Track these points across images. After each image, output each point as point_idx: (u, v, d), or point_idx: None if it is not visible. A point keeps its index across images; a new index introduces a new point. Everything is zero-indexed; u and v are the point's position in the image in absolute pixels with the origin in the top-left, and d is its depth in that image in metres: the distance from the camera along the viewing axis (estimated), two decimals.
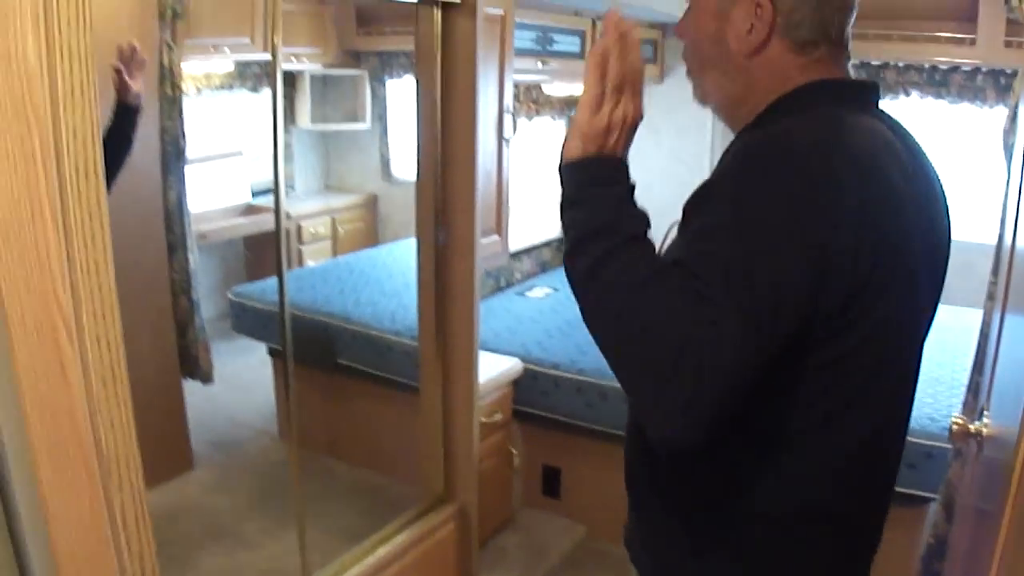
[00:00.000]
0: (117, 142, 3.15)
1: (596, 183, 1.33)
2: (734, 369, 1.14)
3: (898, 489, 3.21)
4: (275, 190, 2.88)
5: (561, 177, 1.37)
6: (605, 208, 1.31)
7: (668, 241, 1.53)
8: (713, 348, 1.13)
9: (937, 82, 5.03)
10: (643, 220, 1.32)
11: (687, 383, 1.13)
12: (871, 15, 4.94)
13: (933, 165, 1.45)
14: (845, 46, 1.44)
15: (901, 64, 5.20)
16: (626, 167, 1.35)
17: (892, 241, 1.25)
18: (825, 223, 1.17)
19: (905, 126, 1.46)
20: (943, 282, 1.50)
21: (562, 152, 1.36)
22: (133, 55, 3.05)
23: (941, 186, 1.45)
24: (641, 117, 1.35)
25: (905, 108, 5.34)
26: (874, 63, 5.30)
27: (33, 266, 0.85)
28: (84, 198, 0.86)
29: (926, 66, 5.07)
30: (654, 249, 1.30)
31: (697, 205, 1.32)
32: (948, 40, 4.67)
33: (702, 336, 1.14)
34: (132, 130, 3.18)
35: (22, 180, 0.83)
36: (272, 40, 2.67)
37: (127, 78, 3.02)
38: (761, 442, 1.34)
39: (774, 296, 1.15)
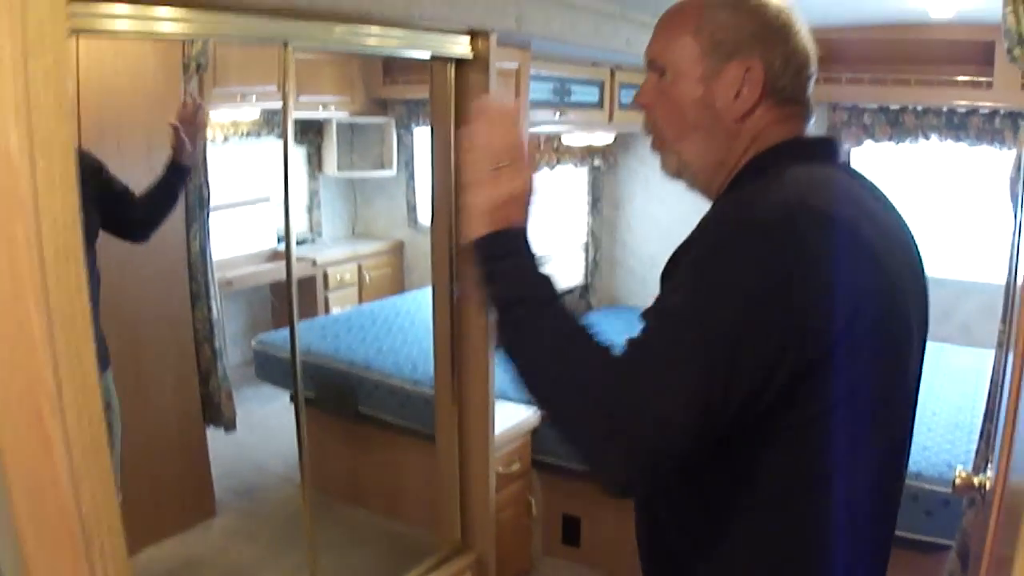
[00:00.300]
0: (164, 198, 3.21)
1: (496, 258, 1.35)
2: (665, 425, 1.16)
3: (916, 536, 3.25)
4: (286, 239, 2.93)
5: (476, 260, 1.39)
6: (511, 281, 1.34)
7: None
8: (648, 403, 1.16)
9: (956, 125, 5.02)
10: (548, 285, 1.35)
11: (622, 437, 1.17)
12: (888, 60, 4.97)
13: (899, 211, 1.47)
14: (808, 104, 1.47)
15: (919, 108, 5.21)
16: (524, 237, 1.38)
17: (870, 297, 1.26)
18: (795, 291, 1.18)
19: (867, 176, 1.50)
20: (927, 326, 1.48)
21: (469, 237, 1.40)
22: (196, 113, 3.10)
23: (910, 231, 1.47)
24: (531, 188, 1.38)
25: (924, 152, 5.36)
26: (892, 107, 5.31)
27: (17, 345, 0.89)
28: (65, 281, 0.90)
29: (944, 109, 5.08)
30: (566, 311, 1.33)
31: (668, 272, 1.37)
32: (965, 83, 4.67)
33: (638, 392, 1.17)
34: (181, 188, 3.25)
35: (5, 264, 0.87)
36: (283, 89, 2.72)
37: (184, 136, 3.06)
38: (752, 501, 1.34)
39: (727, 358, 1.16)
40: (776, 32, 1.41)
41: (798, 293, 1.18)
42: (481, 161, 1.36)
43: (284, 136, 2.79)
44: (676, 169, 1.48)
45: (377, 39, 2.68)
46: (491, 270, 1.36)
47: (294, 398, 3.01)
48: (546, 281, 1.35)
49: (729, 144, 1.43)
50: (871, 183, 1.48)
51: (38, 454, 0.93)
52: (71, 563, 0.97)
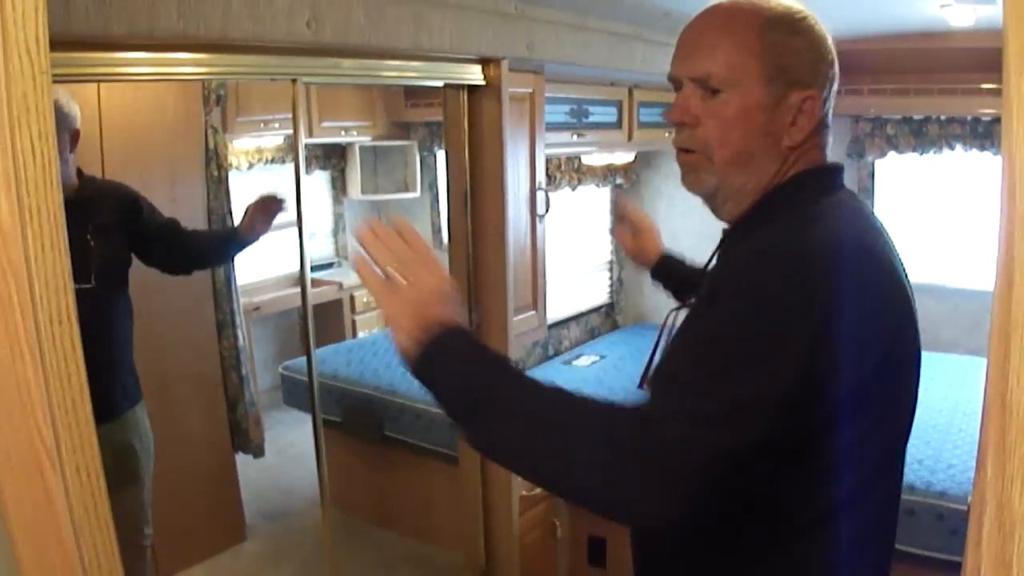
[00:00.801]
0: (214, 256, 3.33)
1: (436, 372, 1.32)
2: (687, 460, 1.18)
3: (942, 556, 3.23)
4: (301, 267, 3.00)
5: (417, 375, 1.35)
6: (460, 389, 1.31)
7: (670, 328, 1.57)
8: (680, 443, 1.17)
9: (980, 134, 5.01)
10: (499, 371, 1.33)
11: (668, 476, 1.17)
12: (910, 70, 4.95)
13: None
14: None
15: (943, 118, 5.19)
16: (455, 334, 1.33)
17: (900, 334, 1.34)
18: (833, 324, 1.21)
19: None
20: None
21: (401, 354, 1.35)
22: (275, 206, 3.26)
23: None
24: (443, 280, 1.36)
25: (949, 162, 5.33)
26: (916, 118, 5.29)
27: (16, 405, 0.92)
28: (59, 342, 0.93)
29: (968, 118, 5.05)
30: (533, 387, 1.30)
31: (703, 306, 1.37)
32: (990, 91, 4.65)
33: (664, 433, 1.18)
34: (234, 254, 3.35)
35: (1, 328, 0.90)
36: (295, 122, 2.78)
37: (256, 219, 3.15)
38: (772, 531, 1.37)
39: (756, 395, 1.19)
40: (828, 62, 1.43)
41: (866, 324, 1.25)
42: (373, 277, 1.35)
43: (296, 166, 2.85)
44: (713, 189, 1.46)
45: (391, 71, 2.73)
46: (435, 387, 1.33)
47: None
48: (495, 367, 1.33)
49: (774, 171, 1.43)
50: (868, 206, 1.52)
51: (40, 507, 0.96)
52: None
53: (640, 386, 1.66)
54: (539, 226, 3.61)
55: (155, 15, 1.85)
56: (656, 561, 1.53)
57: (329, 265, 6.22)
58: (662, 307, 5.85)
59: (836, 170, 1.49)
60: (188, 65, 2.09)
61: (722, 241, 1.56)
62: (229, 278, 4.15)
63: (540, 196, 3.56)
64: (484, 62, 3.07)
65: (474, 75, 3.05)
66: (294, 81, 2.47)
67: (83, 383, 0.97)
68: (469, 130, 3.15)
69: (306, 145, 5.67)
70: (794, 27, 1.40)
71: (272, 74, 2.38)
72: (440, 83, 3.01)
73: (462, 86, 3.07)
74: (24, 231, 0.89)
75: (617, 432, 1.20)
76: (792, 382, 1.19)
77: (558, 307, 3.92)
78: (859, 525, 1.39)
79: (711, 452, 1.17)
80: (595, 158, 4.97)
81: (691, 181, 1.48)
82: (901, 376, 1.37)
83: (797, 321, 1.20)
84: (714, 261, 1.57)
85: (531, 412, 1.27)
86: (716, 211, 1.51)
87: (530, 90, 3.45)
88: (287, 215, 5.85)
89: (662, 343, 1.56)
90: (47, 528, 0.96)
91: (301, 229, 2.88)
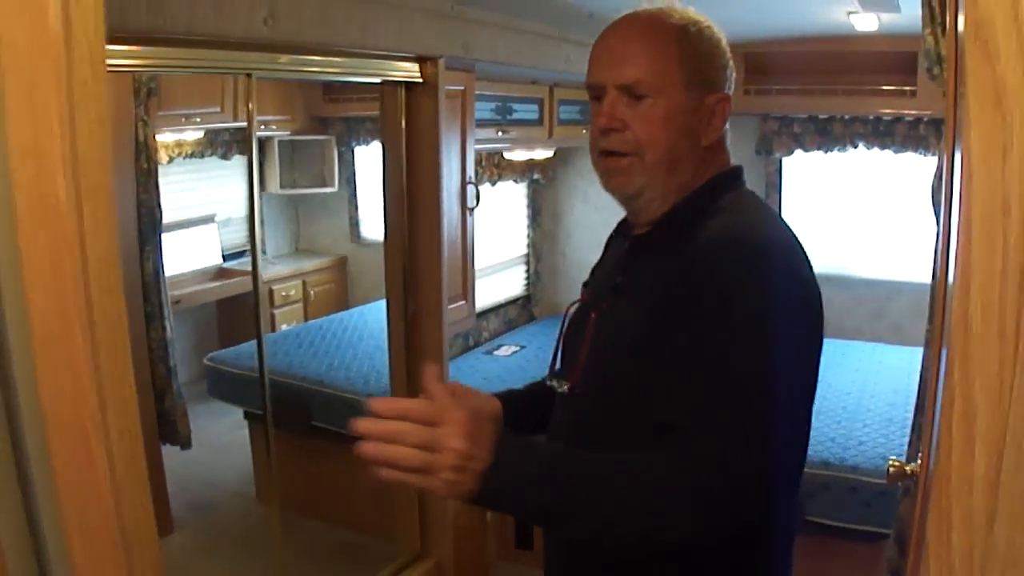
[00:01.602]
0: None
1: (503, 499, 1.27)
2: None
3: (856, 527, 3.45)
4: (252, 256, 3.05)
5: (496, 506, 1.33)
6: (531, 503, 1.28)
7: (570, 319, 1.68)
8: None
9: (882, 132, 5.24)
10: (560, 468, 1.30)
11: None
12: (817, 71, 5.16)
13: None
14: None
15: (847, 117, 5.41)
16: (503, 460, 1.24)
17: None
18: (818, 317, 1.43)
19: None
20: None
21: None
22: None
23: None
24: (463, 428, 1.21)
25: (853, 160, 5.56)
26: (821, 117, 5.51)
27: (66, 373, 0.99)
28: (109, 315, 1.00)
29: (871, 118, 5.29)
30: (591, 466, 1.32)
31: (669, 320, 1.40)
32: (890, 92, 4.88)
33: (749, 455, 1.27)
34: None
35: (56, 300, 0.97)
36: (249, 115, 2.82)
37: None
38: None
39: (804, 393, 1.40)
40: (730, 67, 1.56)
41: (818, 314, 1.44)
42: (405, 477, 1.23)
43: (249, 156, 2.92)
44: (640, 189, 1.52)
45: (335, 68, 2.80)
46: (508, 508, 1.32)
47: (258, 413, 3.07)
48: (555, 466, 1.30)
49: (694, 170, 1.53)
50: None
51: (84, 470, 1.02)
52: (112, 565, 1.07)
53: (548, 379, 1.68)
54: (469, 219, 3.71)
55: (125, 9, 1.90)
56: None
57: (243, 253, 6.18)
58: (576, 300, 5.97)
59: (741, 170, 1.61)
60: (151, 58, 2.15)
61: (636, 242, 1.60)
62: (157, 269, 4.15)
63: (470, 190, 3.66)
64: (422, 60, 3.16)
65: (412, 73, 3.13)
66: (249, 76, 2.53)
67: (127, 352, 1.04)
68: (406, 126, 3.23)
69: (226, 136, 5.69)
70: (703, 34, 1.52)
71: (230, 69, 2.45)
72: (379, 80, 3.09)
73: (400, 83, 3.15)
74: (80, 209, 0.96)
75: (686, 478, 1.28)
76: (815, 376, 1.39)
77: (478, 299, 4.02)
78: (789, 499, 1.50)
79: (768, 466, 1.28)
80: (517, 154, 5.08)
81: (618, 183, 1.54)
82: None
83: (807, 322, 1.40)
84: (627, 256, 1.61)
85: (606, 502, 1.28)
86: (638, 212, 1.58)
87: (463, 87, 3.55)
88: (203, 208, 5.87)
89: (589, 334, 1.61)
90: (90, 488, 1.03)
91: (253, 222, 2.92)
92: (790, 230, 1.48)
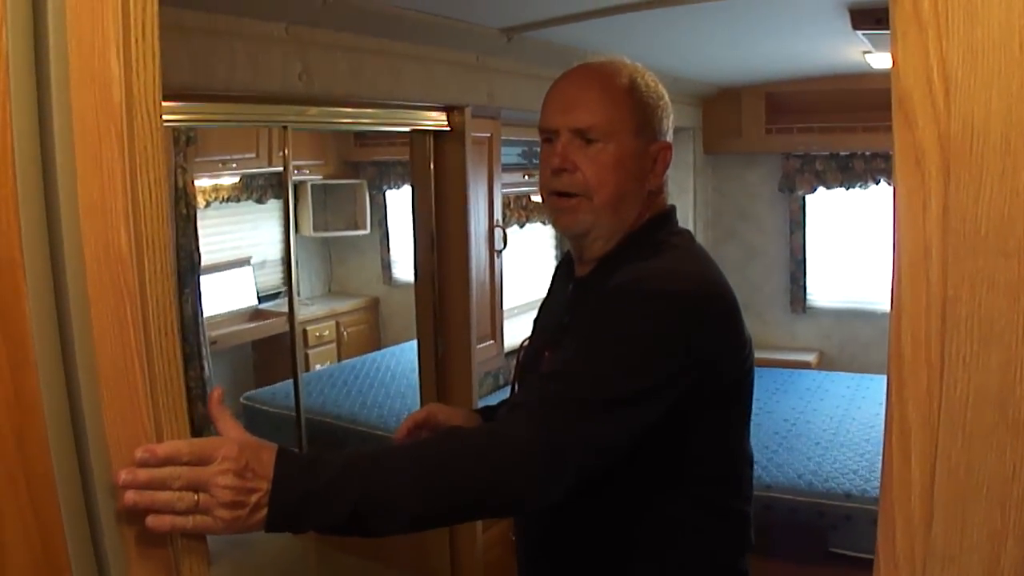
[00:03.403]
0: None
1: (301, 518, 1.23)
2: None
3: (858, 555, 3.50)
4: (289, 297, 3.16)
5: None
6: (322, 513, 1.25)
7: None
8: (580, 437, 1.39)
9: None
10: (346, 473, 1.27)
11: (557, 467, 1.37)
12: (836, 109, 5.26)
13: None
14: None
15: (868, 153, 5.50)
16: (279, 480, 1.20)
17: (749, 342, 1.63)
18: (705, 346, 1.50)
19: None
20: None
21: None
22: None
23: None
24: (229, 457, 1.15)
25: (875, 196, 5.64)
26: (842, 154, 5.60)
27: (127, 405, 1.11)
28: (164, 353, 1.11)
29: (891, 153, 5.35)
30: (383, 458, 1.34)
31: (587, 327, 1.54)
32: None
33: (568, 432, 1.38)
34: None
35: (118, 341, 1.09)
36: (285, 164, 2.96)
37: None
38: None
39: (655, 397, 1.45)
40: (671, 117, 1.68)
41: (707, 358, 1.50)
42: (178, 522, 1.15)
43: (285, 201, 3.06)
44: (588, 228, 1.61)
45: (367, 118, 2.94)
46: (309, 527, 1.26)
47: (299, 446, 3.16)
48: (344, 473, 1.27)
49: (637, 212, 1.64)
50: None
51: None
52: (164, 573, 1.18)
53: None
54: (496, 261, 3.83)
55: (168, 68, 2.04)
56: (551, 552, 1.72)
57: (278, 295, 6.30)
58: None
59: (674, 210, 1.72)
60: (193, 113, 2.30)
61: (580, 283, 1.71)
62: (196, 311, 4.29)
63: (497, 233, 3.78)
64: (449, 109, 3.30)
65: (440, 121, 3.27)
66: (285, 128, 2.67)
67: (181, 386, 1.16)
68: (435, 172, 3.37)
69: (261, 181, 5.83)
70: (649, 86, 1.63)
71: (267, 122, 2.59)
72: (408, 128, 3.23)
73: (428, 131, 3.29)
74: (140, 259, 1.08)
75: (483, 444, 1.38)
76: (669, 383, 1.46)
77: (507, 339, 4.13)
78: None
79: (570, 446, 1.38)
80: None
81: (567, 222, 1.63)
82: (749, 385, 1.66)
83: (671, 344, 1.47)
84: (573, 296, 1.72)
85: (401, 485, 1.30)
86: (584, 250, 1.67)
87: (489, 134, 3.68)
88: (239, 251, 6.00)
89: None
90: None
91: (290, 265, 3.04)
92: (702, 274, 1.59)
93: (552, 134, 1.62)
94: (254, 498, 1.18)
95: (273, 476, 1.19)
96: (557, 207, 1.62)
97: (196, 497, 1.14)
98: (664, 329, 1.46)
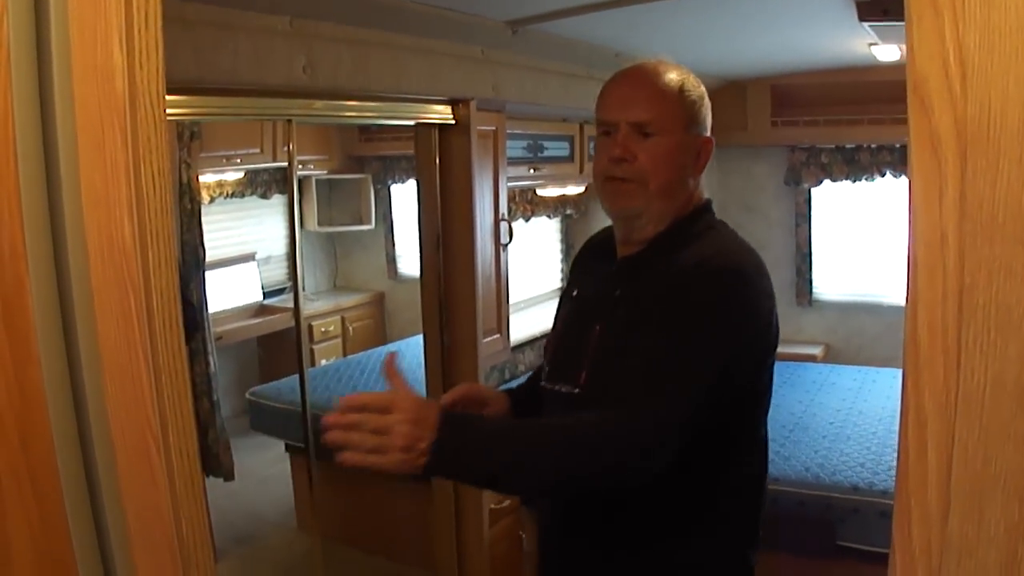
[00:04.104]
0: None
1: (453, 469, 1.56)
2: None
3: (886, 551, 3.49)
4: (295, 292, 3.15)
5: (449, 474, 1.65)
6: (477, 473, 1.60)
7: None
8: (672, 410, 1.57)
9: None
10: (492, 435, 1.59)
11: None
12: (842, 102, 5.25)
13: None
14: None
15: (873, 146, 5.49)
16: (441, 439, 1.44)
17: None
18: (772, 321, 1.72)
19: None
20: None
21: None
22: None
23: None
24: (407, 409, 1.43)
25: (881, 188, 5.63)
26: (848, 147, 5.59)
27: (131, 398, 1.10)
28: (169, 345, 1.10)
29: (897, 146, 5.36)
30: (511, 435, 1.61)
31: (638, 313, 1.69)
32: None
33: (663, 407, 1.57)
34: None
35: (123, 333, 1.08)
36: (290, 158, 2.95)
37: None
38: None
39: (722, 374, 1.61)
40: (711, 113, 1.84)
41: (772, 323, 1.71)
42: (364, 459, 1.43)
43: (290, 196, 3.05)
44: (639, 211, 1.77)
45: (371, 112, 2.93)
46: (456, 476, 1.71)
47: (300, 447, 3.16)
48: (492, 436, 1.58)
49: (685, 198, 1.80)
50: None
51: (146, 484, 1.13)
52: (171, 574, 1.17)
53: (545, 381, 1.90)
54: (502, 254, 3.82)
55: (172, 62, 2.03)
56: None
57: (283, 290, 6.31)
58: None
59: (712, 203, 1.88)
60: (197, 107, 2.29)
61: (631, 260, 1.83)
62: (201, 307, 4.28)
63: (503, 226, 3.77)
64: (454, 102, 3.29)
65: (445, 114, 3.26)
66: (289, 122, 2.66)
67: (186, 380, 1.16)
68: (440, 166, 3.36)
69: (266, 176, 5.83)
70: (695, 85, 1.79)
71: (271, 115, 2.58)
72: (413, 122, 3.22)
73: (433, 125, 3.28)
74: (144, 251, 1.07)
75: (610, 427, 1.55)
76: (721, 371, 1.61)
77: (513, 333, 4.14)
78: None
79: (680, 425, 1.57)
80: (549, 190, 5.19)
81: (623, 204, 1.78)
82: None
83: (735, 328, 1.65)
84: (622, 273, 1.84)
85: (538, 456, 1.55)
86: (633, 231, 1.81)
87: (494, 128, 3.67)
88: (244, 247, 6.00)
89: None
90: (151, 501, 1.14)
91: (295, 260, 3.04)
92: (752, 252, 1.78)
93: (611, 127, 1.76)
94: (421, 445, 1.43)
95: (437, 430, 1.44)
96: (614, 191, 1.77)
97: (379, 440, 1.42)
98: (745, 305, 1.67)
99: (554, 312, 2.02)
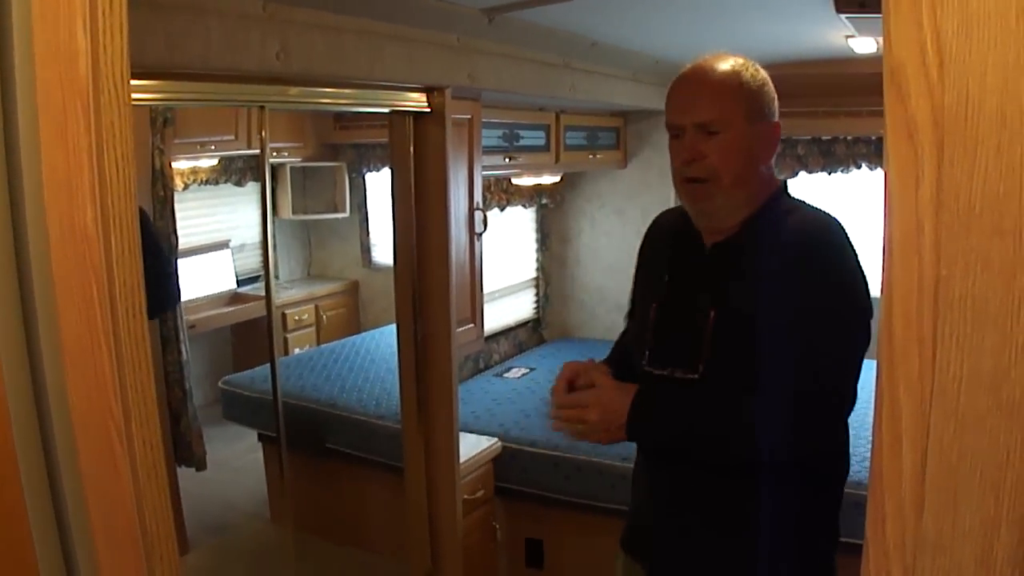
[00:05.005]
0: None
1: (646, 438, 1.98)
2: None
3: (843, 540, 3.47)
4: (266, 280, 3.14)
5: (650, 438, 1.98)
6: (670, 443, 1.94)
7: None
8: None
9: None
10: (682, 409, 1.89)
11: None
12: (819, 93, 5.24)
13: None
14: None
15: (850, 138, 5.50)
16: (637, 415, 1.87)
17: None
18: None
19: None
20: None
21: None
22: None
23: None
24: (609, 396, 1.92)
25: (857, 180, 5.63)
26: (824, 138, 5.59)
27: (93, 386, 1.08)
28: (132, 333, 1.08)
29: (873, 139, 5.37)
30: (700, 414, 1.87)
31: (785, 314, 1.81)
32: None
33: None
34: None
35: (84, 320, 1.06)
36: (263, 144, 2.92)
37: None
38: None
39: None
40: (775, 97, 1.92)
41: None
42: (578, 434, 1.98)
43: (263, 183, 3.03)
44: (719, 206, 1.90)
45: (346, 99, 2.90)
46: (649, 445, 2.03)
47: (272, 436, 3.14)
48: (681, 415, 1.88)
49: (759, 186, 1.91)
50: None
51: (109, 473, 1.11)
52: (134, 565, 1.15)
53: (649, 367, 2.04)
54: (477, 244, 3.80)
55: (144, 46, 2.01)
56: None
57: (257, 278, 6.26)
58: (586, 322, 6.04)
59: (787, 183, 2.02)
60: (168, 92, 2.26)
61: (724, 246, 1.95)
62: (175, 292, 4.24)
63: (478, 216, 3.75)
64: (429, 90, 3.26)
65: (420, 102, 3.24)
66: (262, 108, 2.63)
67: (150, 368, 1.13)
68: (415, 154, 3.33)
69: (240, 164, 5.78)
70: (754, 75, 1.90)
71: (244, 101, 2.55)
72: (387, 110, 3.20)
73: (408, 113, 3.25)
74: (107, 238, 1.05)
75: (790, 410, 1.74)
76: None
77: (488, 322, 4.13)
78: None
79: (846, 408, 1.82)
80: (525, 179, 5.17)
81: (704, 204, 1.92)
82: None
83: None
84: (721, 258, 1.97)
85: (718, 430, 1.84)
86: (717, 222, 1.94)
87: (469, 116, 3.65)
88: (217, 234, 5.96)
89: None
90: (113, 491, 1.12)
91: (267, 248, 3.02)
92: (836, 219, 1.92)
93: (679, 130, 1.89)
94: (616, 424, 1.88)
95: (628, 413, 1.86)
96: (693, 192, 1.91)
97: (584, 422, 1.92)
98: (857, 270, 1.86)
99: (631, 295, 2.23)
